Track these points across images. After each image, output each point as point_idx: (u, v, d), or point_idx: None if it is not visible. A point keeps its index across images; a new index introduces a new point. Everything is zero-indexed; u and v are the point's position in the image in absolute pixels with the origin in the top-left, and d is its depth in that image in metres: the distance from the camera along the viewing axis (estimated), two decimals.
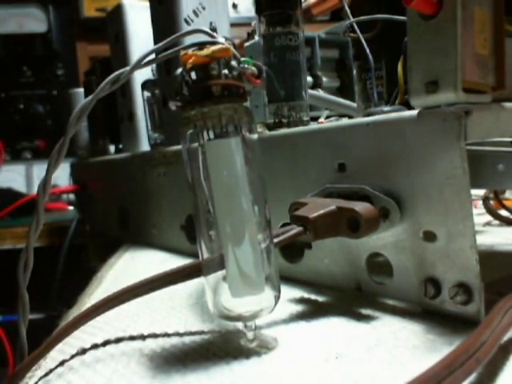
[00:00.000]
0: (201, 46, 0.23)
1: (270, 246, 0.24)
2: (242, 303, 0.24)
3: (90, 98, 0.24)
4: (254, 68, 0.24)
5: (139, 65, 0.24)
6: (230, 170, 0.23)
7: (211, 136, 0.23)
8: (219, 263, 0.24)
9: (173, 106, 0.24)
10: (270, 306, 0.24)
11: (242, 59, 0.24)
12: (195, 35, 0.25)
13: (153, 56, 0.26)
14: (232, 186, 0.23)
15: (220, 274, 0.24)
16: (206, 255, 0.25)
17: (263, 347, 0.25)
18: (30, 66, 1.30)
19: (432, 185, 0.26)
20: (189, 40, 0.24)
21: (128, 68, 0.24)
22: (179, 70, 0.24)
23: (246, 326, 0.25)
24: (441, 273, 0.26)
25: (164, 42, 0.25)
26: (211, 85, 0.23)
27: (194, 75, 0.23)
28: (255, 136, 0.24)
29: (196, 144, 0.24)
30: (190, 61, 0.23)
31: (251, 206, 0.24)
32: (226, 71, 0.23)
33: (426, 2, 0.23)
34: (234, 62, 0.23)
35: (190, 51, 0.23)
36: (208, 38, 0.24)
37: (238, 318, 0.24)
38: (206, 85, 0.23)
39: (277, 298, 0.24)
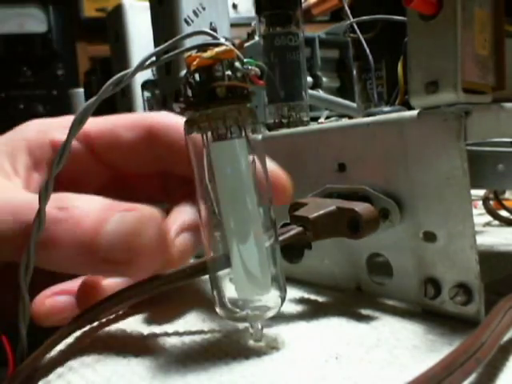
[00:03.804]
0: (204, 47, 0.23)
1: (275, 246, 0.24)
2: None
3: (92, 99, 0.24)
4: (257, 69, 0.24)
5: (142, 66, 0.24)
6: (235, 170, 0.23)
7: (215, 137, 0.23)
8: (225, 263, 0.24)
9: (176, 108, 0.23)
10: (275, 307, 0.24)
11: (245, 60, 0.24)
12: (196, 36, 0.25)
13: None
14: (237, 187, 0.23)
15: (226, 274, 0.24)
16: (211, 256, 0.25)
17: (271, 347, 0.25)
18: (30, 66, 1.29)
19: (432, 185, 0.26)
20: (190, 41, 0.24)
21: (131, 69, 0.24)
22: (183, 72, 0.24)
23: (252, 327, 0.25)
24: (441, 273, 0.26)
25: (168, 43, 0.24)
26: (215, 86, 0.23)
27: (197, 77, 0.23)
28: (259, 136, 0.24)
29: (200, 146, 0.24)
30: (195, 63, 0.23)
31: (256, 207, 0.24)
32: (229, 72, 0.23)
33: (426, 2, 0.23)
34: (237, 64, 0.23)
35: (193, 53, 0.23)
36: (210, 39, 0.24)
37: (244, 319, 0.24)
38: (211, 87, 0.23)
39: (283, 299, 0.24)
